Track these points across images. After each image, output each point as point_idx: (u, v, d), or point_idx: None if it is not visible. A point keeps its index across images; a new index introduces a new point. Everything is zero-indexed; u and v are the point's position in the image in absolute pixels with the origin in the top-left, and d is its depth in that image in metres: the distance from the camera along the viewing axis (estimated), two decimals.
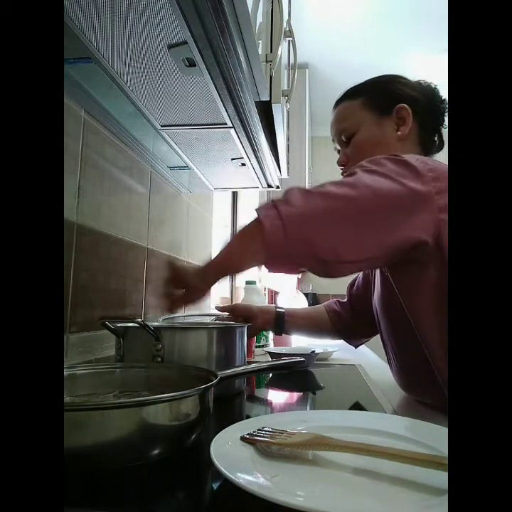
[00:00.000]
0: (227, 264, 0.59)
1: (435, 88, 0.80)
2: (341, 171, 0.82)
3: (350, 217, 0.53)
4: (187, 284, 0.60)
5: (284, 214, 0.52)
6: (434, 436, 0.41)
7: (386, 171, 0.56)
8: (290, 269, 0.57)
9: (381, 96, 0.78)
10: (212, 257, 0.60)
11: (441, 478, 0.31)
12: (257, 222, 0.54)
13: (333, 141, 0.85)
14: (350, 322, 1.02)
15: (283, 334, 1.06)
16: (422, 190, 0.55)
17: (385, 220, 0.54)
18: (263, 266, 0.56)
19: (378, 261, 0.59)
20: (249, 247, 0.57)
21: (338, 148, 0.83)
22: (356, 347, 1.09)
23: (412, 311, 0.64)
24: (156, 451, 0.37)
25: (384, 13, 2.52)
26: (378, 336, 0.88)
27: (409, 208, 0.55)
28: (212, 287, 0.61)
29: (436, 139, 0.79)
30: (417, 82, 0.80)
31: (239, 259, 0.58)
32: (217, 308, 1.03)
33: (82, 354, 0.81)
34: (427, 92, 0.79)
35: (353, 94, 0.81)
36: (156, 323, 0.66)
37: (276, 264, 0.55)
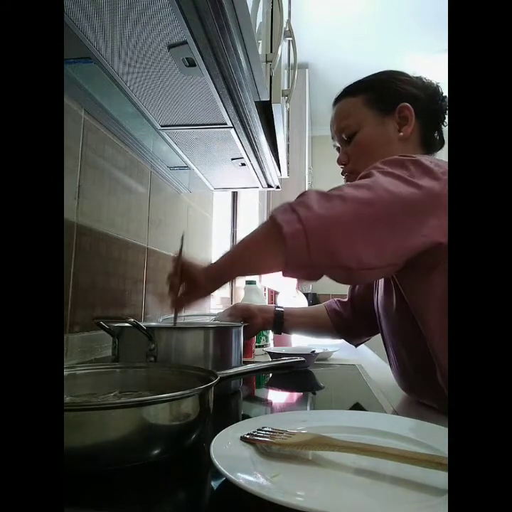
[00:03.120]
0: (239, 266, 0.57)
1: (437, 85, 0.79)
2: (342, 171, 0.81)
3: (372, 223, 0.52)
4: (194, 280, 0.58)
5: (304, 218, 0.50)
6: (434, 437, 0.41)
7: (403, 174, 0.56)
8: (310, 276, 0.54)
9: (383, 94, 0.77)
10: (221, 257, 0.58)
11: (441, 478, 0.31)
12: (274, 225, 0.51)
13: (332, 138, 0.84)
14: (350, 321, 1.02)
15: (282, 333, 1.06)
16: (437, 192, 0.54)
17: (406, 224, 0.53)
18: (281, 272, 0.53)
19: (398, 266, 0.56)
20: (265, 251, 0.54)
21: (338, 146, 0.83)
22: (356, 346, 1.09)
23: (419, 313, 0.64)
24: (156, 451, 0.37)
25: (384, 13, 2.52)
26: (378, 335, 0.88)
27: (427, 210, 0.54)
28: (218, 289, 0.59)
29: (436, 136, 0.79)
30: (418, 79, 0.79)
31: (253, 262, 0.56)
32: (219, 315, 1.03)
33: (82, 354, 0.81)
34: (428, 89, 0.78)
35: (353, 91, 0.80)
36: (153, 323, 0.67)
37: (297, 271, 0.53)
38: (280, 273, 0.54)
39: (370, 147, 0.76)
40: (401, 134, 0.75)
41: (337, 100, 0.82)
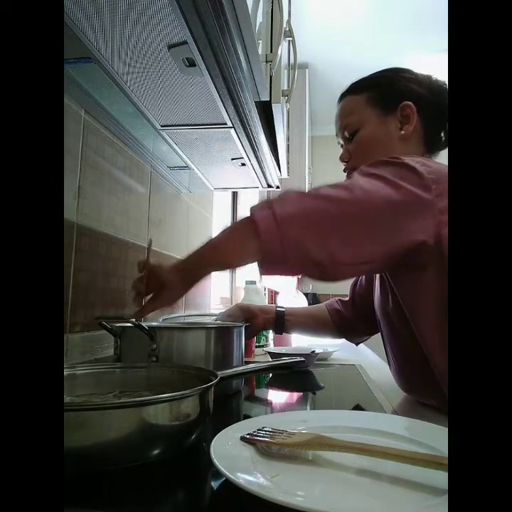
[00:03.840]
0: (212, 261, 0.57)
1: (444, 84, 0.77)
2: (344, 168, 0.81)
3: (343, 220, 0.53)
4: (160, 283, 0.58)
5: (278, 215, 0.51)
6: (434, 436, 0.41)
7: (385, 174, 0.56)
8: (285, 272, 0.56)
9: (386, 92, 0.76)
10: (190, 254, 0.57)
11: (441, 478, 0.31)
12: (250, 220, 0.53)
13: (336, 135, 0.84)
14: (352, 320, 1.02)
15: (283, 333, 1.06)
16: (422, 194, 0.54)
17: (384, 223, 0.54)
18: (258, 268, 0.55)
19: (376, 265, 0.58)
20: (241, 247, 0.55)
21: (341, 142, 0.83)
22: (357, 344, 1.09)
23: (412, 313, 0.64)
24: (156, 451, 0.37)
25: (384, 13, 2.52)
26: (378, 335, 0.88)
27: (409, 211, 0.55)
28: (194, 287, 0.58)
29: (442, 135, 0.78)
30: (425, 77, 0.78)
31: (228, 258, 0.57)
32: (220, 315, 1.03)
33: (82, 354, 0.81)
34: (434, 88, 0.76)
35: (358, 88, 0.79)
36: (154, 323, 0.67)
37: (272, 267, 0.54)
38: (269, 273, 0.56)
39: (371, 145, 0.76)
40: (402, 132, 0.74)
41: (341, 97, 0.81)
